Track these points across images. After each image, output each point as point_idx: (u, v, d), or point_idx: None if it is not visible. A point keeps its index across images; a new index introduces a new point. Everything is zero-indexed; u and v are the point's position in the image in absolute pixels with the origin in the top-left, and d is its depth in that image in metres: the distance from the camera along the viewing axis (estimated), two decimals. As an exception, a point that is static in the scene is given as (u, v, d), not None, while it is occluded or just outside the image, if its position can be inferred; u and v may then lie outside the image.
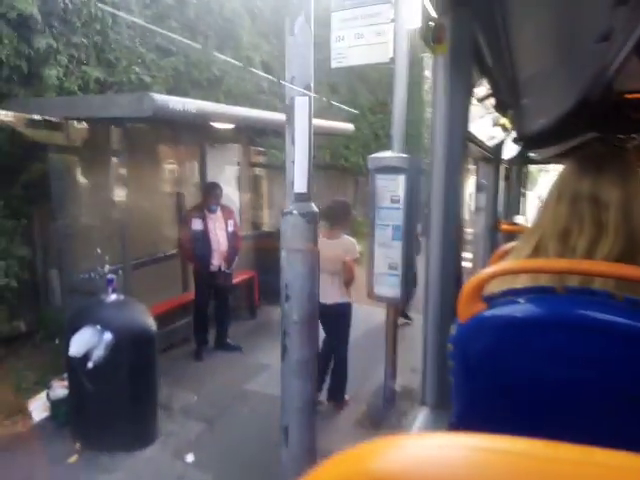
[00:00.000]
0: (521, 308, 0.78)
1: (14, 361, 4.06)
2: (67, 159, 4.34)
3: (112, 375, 3.16)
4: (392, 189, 3.08)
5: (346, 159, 10.07)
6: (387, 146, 3.53)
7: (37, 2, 3.94)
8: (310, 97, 2.55)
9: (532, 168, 10.25)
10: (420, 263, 2.92)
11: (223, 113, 4.30)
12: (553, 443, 0.32)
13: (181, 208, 5.54)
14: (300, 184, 2.56)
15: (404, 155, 3.22)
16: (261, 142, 6.86)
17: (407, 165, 3.08)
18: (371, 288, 3.22)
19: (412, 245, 3.26)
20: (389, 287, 3.15)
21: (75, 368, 3.15)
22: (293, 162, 2.55)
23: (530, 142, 3.88)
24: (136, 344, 3.25)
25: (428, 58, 10.44)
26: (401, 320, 5.38)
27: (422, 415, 1.43)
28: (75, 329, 3.14)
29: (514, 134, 3.41)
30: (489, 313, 0.80)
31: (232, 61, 5.16)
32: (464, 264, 1.94)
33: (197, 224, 4.72)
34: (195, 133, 5.37)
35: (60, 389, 3.47)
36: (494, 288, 0.84)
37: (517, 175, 5.69)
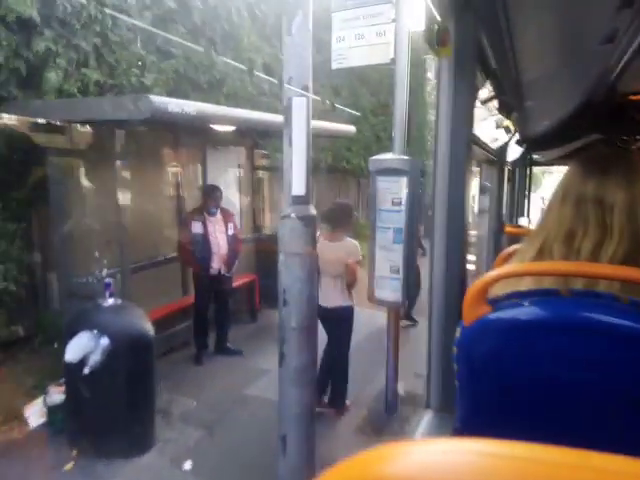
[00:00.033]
0: (525, 311, 0.78)
1: (12, 365, 4.02)
2: (66, 162, 4.31)
3: (109, 381, 3.12)
4: (393, 191, 3.03)
5: (348, 161, 10.05)
6: (389, 148, 3.48)
7: (36, 4, 3.92)
8: (308, 98, 2.50)
9: (536, 170, 10.21)
10: (424, 266, 2.88)
11: (223, 115, 4.27)
12: (560, 448, 0.32)
13: (181, 211, 5.52)
14: (298, 186, 2.51)
15: (405, 157, 3.18)
16: (264, 144, 6.83)
17: (409, 167, 3.04)
18: (372, 292, 3.17)
19: (414, 248, 3.21)
20: (390, 291, 3.10)
21: (72, 374, 3.11)
22: (291, 164, 2.51)
23: (534, 144, 3.86)
24: (133, 349, 3.20)
25: (431, 60, 10.43)
26: (404, 322, 5.34)
27: (426, 418, 1.44)
28: (72, 334, 3.11)
29: (518, 136, 3.38)
30: (494, 316, 0.79)
31: (233, 63, 5.13)
32: (468, 266, 1.92)
33: (197, 227, 4.69)
34: (196, 135, 5.34)
35: (57, 395, 3.43)
36: (498, 290, 0.84)
37: (521, 177, 5.67)
